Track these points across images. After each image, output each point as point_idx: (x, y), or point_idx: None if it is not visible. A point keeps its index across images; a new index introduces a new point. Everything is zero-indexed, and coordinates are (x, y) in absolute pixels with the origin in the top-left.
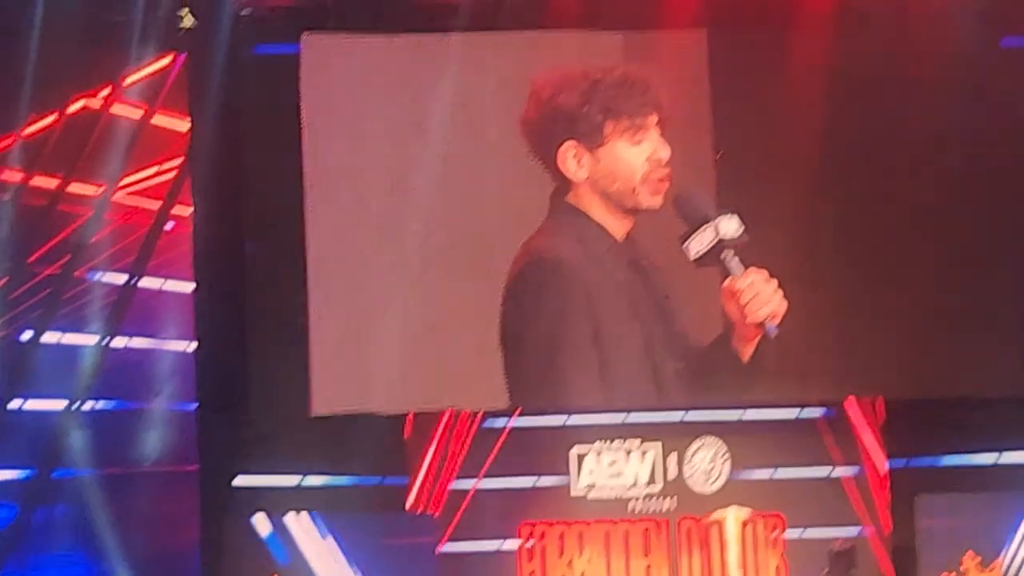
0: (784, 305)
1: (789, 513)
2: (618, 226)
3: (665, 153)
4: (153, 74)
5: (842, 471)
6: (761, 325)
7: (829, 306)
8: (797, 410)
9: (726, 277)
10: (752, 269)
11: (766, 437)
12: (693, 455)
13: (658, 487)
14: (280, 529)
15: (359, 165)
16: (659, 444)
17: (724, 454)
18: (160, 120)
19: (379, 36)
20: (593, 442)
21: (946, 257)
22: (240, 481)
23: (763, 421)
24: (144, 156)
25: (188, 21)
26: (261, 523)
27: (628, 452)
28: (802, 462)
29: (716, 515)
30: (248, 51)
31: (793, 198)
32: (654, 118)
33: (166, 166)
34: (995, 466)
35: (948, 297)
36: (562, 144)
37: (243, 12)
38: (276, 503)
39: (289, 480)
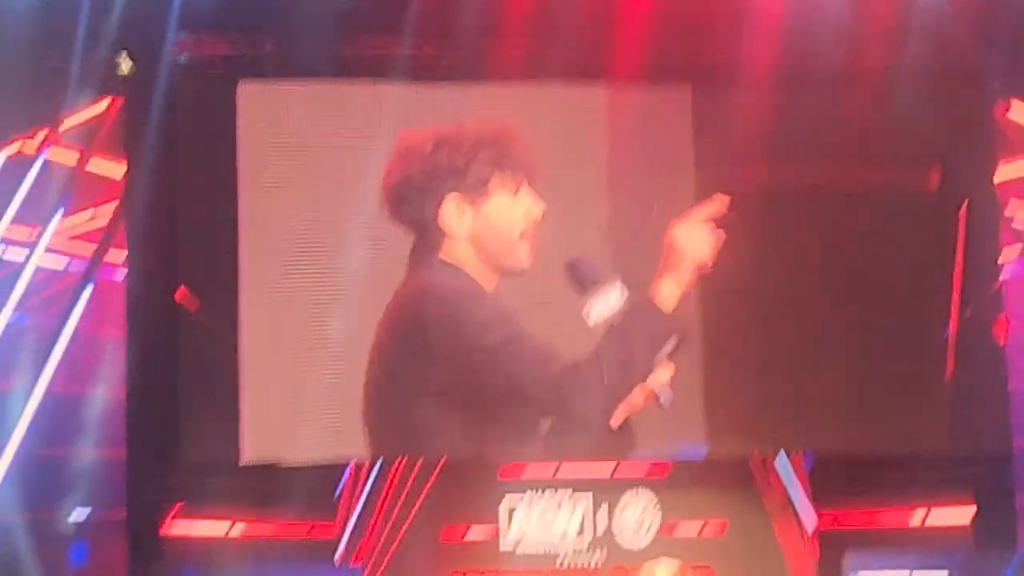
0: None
1: (719, 566)
2: (488, 282)
3: (539, 210)
4: (90, 119)
5: (772, 525)
6: (653, 393)
7: (759, 362)
8: (728, 464)
9: None
10: None
11: (696, 490)
12: (623, 508)
13: (587, 540)
14: None
15: (294, 214)
16: (590, 496)
17: (655, 506)
18: (96, 165)
19: (316, 84)
20: (524, 492)
21: (877, 315)
22: (168, 530)
23: (694, 474)
24: (79, 201)
25: (126, 66)
26: (189, 573)
27: (559, 504)
28: (732, 515)
29: (645, 568)
30: (185, 97)
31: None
32: (527, 174)
33: (101, 211)
34: (923, 525)
35: (877, 357)
36: (444, 198)
37: (181, 58)
38: (205, 553)
39: (218, 529)
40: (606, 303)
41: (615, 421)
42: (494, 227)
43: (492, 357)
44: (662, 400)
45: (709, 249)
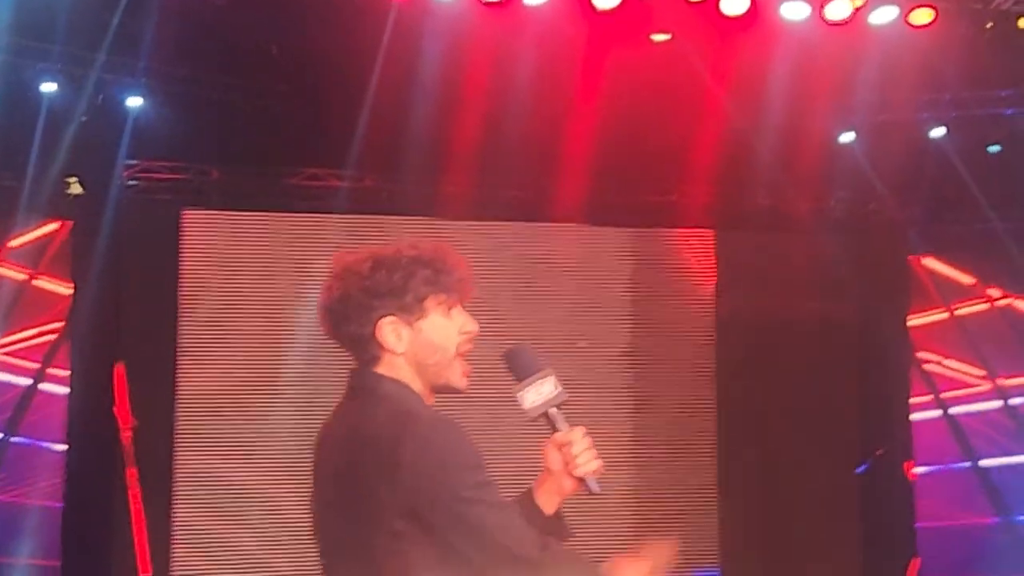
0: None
1: None
2: (427, 396)
3: (474, 326)
4: (39, 238)
5: None
6: (582, 480)
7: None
8: None
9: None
10: (576, 427)
11: None
12: None
13: None
14: None
15: (233, 338)
16: None
17: None
18: (43, 283)
19: (258, 214)
20: None
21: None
22: None
23: None
24: (25, 318)
25: (75, 189)
26: None
27: None
28: None
29: None
30: (132, 222)
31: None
32: (461, 293)
33: (46, 328)
34: None
35: (777, 498)
36: (381, 319)
37: (129, 183)
38: None
39: None
40: (539, 392)
41: (549, 508)
42: (431, 345)
43: (472, 505)
44: (592, 487)
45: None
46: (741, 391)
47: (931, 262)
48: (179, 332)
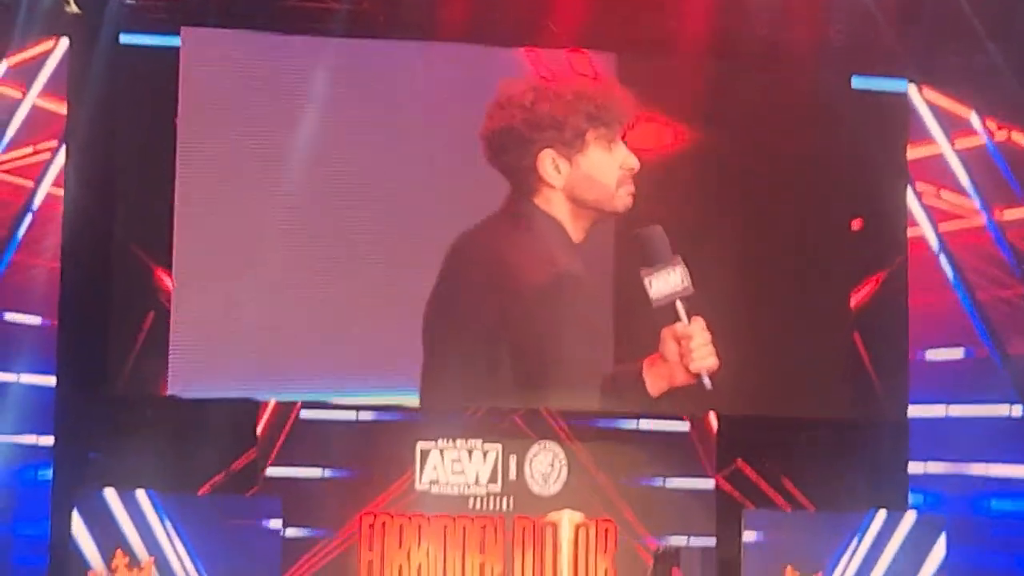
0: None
1: (621, 519)
2: (577, 233)
3: (635, 162)
4: (35, 57)
5: (673, 483)
6: (697, 376)
7: None
8: (635, 422)
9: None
10: (697, 319)
11: (604, 445)
12: (533, 458)
13: (498, 487)
14: (128, 505)
15: (231, 156)
16: (499, 446)
17: (562, 459)
18: (40, 102)
19: (257, 33)
20: (436, 440)
21: (786, 291)
22: (94, 456)
23: (601, 430)
24: (21, 136)
25: (73, 8)
26: (111, 498)
27: (470, 452)
28: (636, 471)
29: (551, 517)
30: (130, 40)
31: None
32: (623, 128)
33: (42, 147)
34: (821, 485)
35: (772, 328)
36: (542, 150)
37: (127, 1)
38: (128, 479)
39: (142, 458)
40: (667, 281)
41: (655, 391)
42: (590, 178)
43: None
44: (705, 383)
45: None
46: (739, 219)
47: (929, 94)
48: (177, 151)
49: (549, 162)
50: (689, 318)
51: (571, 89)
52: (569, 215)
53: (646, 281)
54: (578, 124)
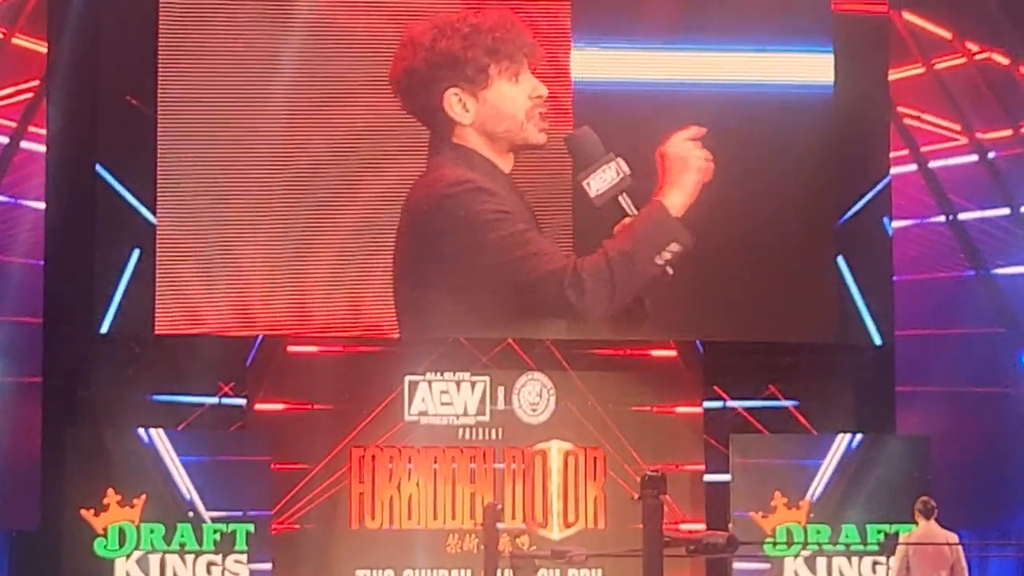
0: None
1: (610, 447)
2: (504, 162)
3: (544, 90)
4: None
5: (661, 409)
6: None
7: None
8: (621, 350)
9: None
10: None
11: (591, 375)
12: (521, 388)
13: (486, 418)
14: (121, 442)
15: (214, 93)
16: (488, 377)
17: (550, 389)
18: (20, 41)
19: None
20: (424, 373)
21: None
22: (83, 395)
23: (589, 358)
24: (3, 76)
25: None
26: (102, 436)
27: (458, 383)
28: (624, 399)
29: (540, 446)
30: None
31: None
32: (528, 58)
33: (23, 86)
34: (808, 409)
35: (756, 253)
36: (446, 90)
37: None
38: (117, 418)
39: (131, 395)
40: (603, 179)
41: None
42: (498, 113)
43: (497, 254)
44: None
45: (706, 163)
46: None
47: (910, 16)
48: (159, 83)
49: (456, 101)
50: (637, 208)
51: (468, 23)
52: (487, 146)
53: (584, 184)
54: (478, 59)
